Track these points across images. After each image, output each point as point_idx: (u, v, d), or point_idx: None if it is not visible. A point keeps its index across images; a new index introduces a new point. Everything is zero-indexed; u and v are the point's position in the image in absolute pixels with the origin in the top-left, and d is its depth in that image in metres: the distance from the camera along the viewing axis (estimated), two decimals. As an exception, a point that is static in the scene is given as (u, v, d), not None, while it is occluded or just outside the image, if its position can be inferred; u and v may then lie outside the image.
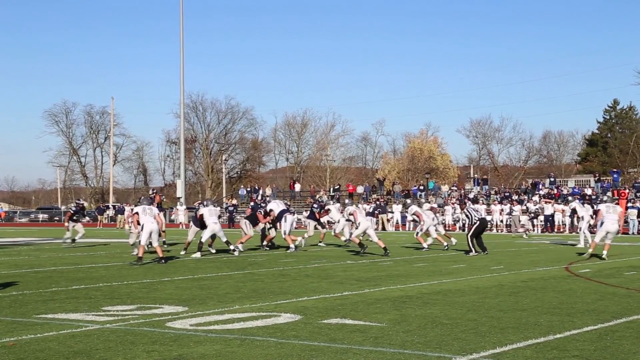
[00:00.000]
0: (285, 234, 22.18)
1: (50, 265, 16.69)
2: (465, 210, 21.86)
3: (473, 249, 20.33)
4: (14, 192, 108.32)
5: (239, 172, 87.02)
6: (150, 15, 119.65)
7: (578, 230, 26.74)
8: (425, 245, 23.12)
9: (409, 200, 43.88)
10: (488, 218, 40.59)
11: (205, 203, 21.55)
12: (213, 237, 20.72)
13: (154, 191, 22.90)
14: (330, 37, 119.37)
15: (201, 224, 20.55)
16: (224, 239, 20.11)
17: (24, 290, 11.85)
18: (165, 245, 23.29)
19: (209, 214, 19.96)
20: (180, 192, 57.71)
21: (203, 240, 20.04)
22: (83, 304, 10.12)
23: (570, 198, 29.84)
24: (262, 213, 22.54)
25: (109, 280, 13.49)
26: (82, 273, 14.80)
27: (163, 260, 17.24)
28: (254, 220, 22.21)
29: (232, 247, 20.24)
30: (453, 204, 45.58)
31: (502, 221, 42.22)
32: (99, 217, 55.91)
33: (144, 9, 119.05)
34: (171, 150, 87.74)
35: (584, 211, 25.95)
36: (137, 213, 17.63)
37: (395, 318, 8.79)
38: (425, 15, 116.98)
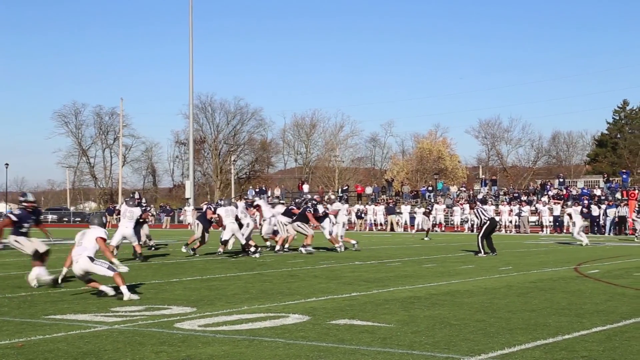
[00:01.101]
0: (243, 239, 20.24)
1: (59, 266, 16.72)
2: (475, 210, 21.80)
3: (482, 250, 20.29)
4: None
5: (247, 173, 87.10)
6: (159, 17, 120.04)
7: (572, 234, 27.49)
8: (338, 246, 22.34)
9: (417, 201, 43.91)
10: (497, 219, 40.58)
11: (222, 202, 21.27)
12: (203, 238, 20.83)
13: (134, 194, 22.23)
14: (338, 38, 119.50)
15: (210, 223, 20.51)
16: (243, 241, 19.96)
17: (32, 291, 11.89)
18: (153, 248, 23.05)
19: (226, 214, 19.66)
20: (189, 193, 57.83)
21: (225, 238, 19.88)
22: (92, 304, 10.15)
23: (569, 203, 30.92)
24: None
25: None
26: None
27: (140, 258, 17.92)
28: (207, 222, 21.29)
29: (252, 250, 19.68)
30: (461, 204, 45.51)
31: (511, 222, 42.12)
32: (107, 217, 56.05)
33: (154, 10, 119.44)
34: (180, 151, 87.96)
35: (578, 217, 28.08)
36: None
37: (404, 319, 8.78)
38: (434, 16, 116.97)
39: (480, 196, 48.95)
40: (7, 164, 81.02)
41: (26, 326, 8.32)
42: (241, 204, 21.73)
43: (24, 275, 13.27)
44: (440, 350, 6.92)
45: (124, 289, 10.76)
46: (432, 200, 48.64)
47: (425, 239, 31.89)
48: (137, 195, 22.54)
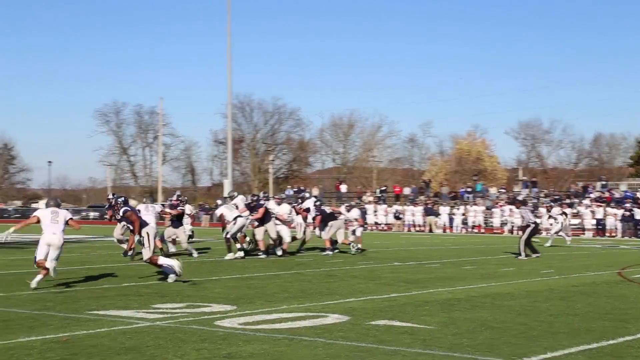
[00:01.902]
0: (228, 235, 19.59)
1: (100, 263, 16.98)
2: (520, 210, 21.50)
3: (523, 253, 20.08)
4: (65, 190, 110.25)
5: (285, 173, 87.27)
6: (198, 16, 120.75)
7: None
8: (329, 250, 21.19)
9: (456, 202, 43.58)
10: (537, 221, 40.13)
11: (219, 202, 21.61)
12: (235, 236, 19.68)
13: (114, 195, 21.10)
14: (377, 38, 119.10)
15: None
16: (288, 239, 20.01)
17: (76, 287, 12.06)
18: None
19: (230, 211, 19.47)
20: (227, 192, 58.15)
21: (274, 236, 19.90)
22: (133, 301, 10.26)
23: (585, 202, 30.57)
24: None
25: (158, 278, 13.64)
26: (132, 271, 15.00)
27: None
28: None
29: (279, 251, 19.68)
30: (501, 206, 45.07)
31: (551, 224, 41.57)
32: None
33: (193, 10, 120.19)
34: (219, 150, 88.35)
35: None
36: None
37: (444, 321, 8.73)
38: (473, 17, 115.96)
39: (520, 198, 48.47)
40: (50, 162, 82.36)
41: (70, 321, 8.44)
42: (238, 199, 20.40)
43: (68, 272, 13.46)
44: (481, 352, 6.86)
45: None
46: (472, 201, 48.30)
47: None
48: (177, 194, 22.58)
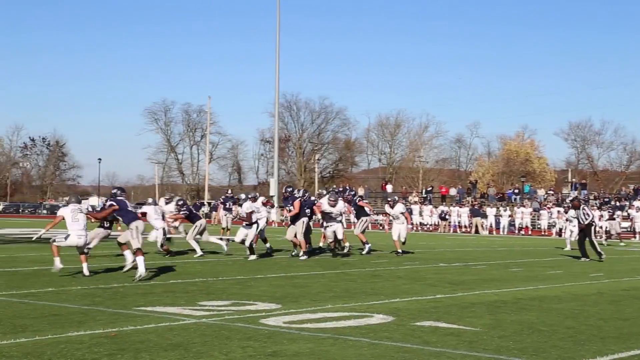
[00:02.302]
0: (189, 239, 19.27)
1: (148, 259, 17.17)
2: (582, 209, 20.90)
3: (602, 253, 19.99)
4: (114, 187, 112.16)
5: (331, 172, 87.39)
6: (247, 15, 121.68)
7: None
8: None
9: (503, 203, 43.11)
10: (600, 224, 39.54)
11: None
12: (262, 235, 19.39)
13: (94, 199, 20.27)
14: (424, 38, 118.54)
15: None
16: (341, 236, 19.85)
17: (124, 282, 12.24)
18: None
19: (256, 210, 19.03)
20: (273, 190, 58.45)
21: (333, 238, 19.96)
22: (180, 298, 10.37)
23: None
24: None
25: (204, 275, 13.77)
26: (178, 268, 15.17)
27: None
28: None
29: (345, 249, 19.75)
30: (549, 208, 44.47)
31: (601, 227, 40.88)
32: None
33: (241, 9, 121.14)
34: (265, 149, 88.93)
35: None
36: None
37: (490, 323, 8.64)
38: (523, 17, 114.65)
39: (568, 200, 47.79)
40: (100, 159, 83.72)
41: (118, 316, 8.57)
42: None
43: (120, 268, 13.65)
44: (528, 356, 6.78)
45: None
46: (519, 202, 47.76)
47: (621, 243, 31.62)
48: (176, 199, 21.23)
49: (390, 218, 20.65)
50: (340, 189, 59.41)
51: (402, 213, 20.60)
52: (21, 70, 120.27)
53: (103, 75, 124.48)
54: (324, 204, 19.45)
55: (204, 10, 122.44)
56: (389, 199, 21.41)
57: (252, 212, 18.37)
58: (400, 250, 20.38)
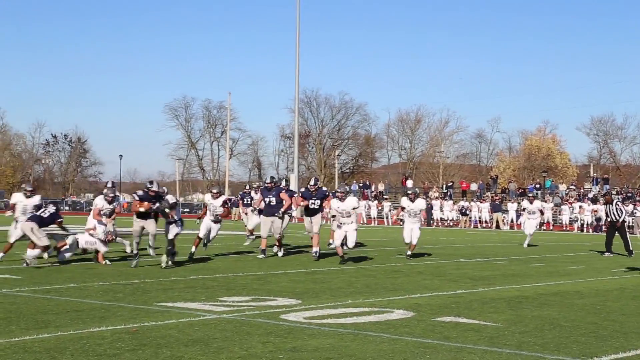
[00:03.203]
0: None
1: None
2: (615, 205, 20.65)
3: (633, 251, 19.85)
4: (135, 183, 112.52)
5: (351, 168, 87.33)
6: (266, 11, 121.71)
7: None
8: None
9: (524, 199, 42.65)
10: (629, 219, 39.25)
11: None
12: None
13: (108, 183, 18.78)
14: (445, 32, 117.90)
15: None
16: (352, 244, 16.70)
17: (145, 278, 12.31)
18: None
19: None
20: (294, 186, 58.53)
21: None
22: (201, 293, 10.42)
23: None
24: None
25: (224, 271, 13.82)
26: (199, 264, 15.23)
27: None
28: None
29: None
30: (570, 203, 44.17)
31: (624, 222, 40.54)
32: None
33: (261, 4, 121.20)
34: (285, 145, 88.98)
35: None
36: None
37: (511, 318, 8.60)
38: (544, 10, 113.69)
39: (590, 195, 47.44)
40: (121, 156, 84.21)
41: (139, 312, 8.62)
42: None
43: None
44: (549, 351, 6.74)
45: None
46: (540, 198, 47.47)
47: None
48: (109, 185, 18.24)
49: (405, 213, 17.51)
50: (361, 185, 59.42)
51: (421, 210, 17.67)
52: (43, 67, 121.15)
53: (124, 71, 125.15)
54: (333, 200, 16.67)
55: (224, 6, 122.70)
56: (409, 191, 18.29)
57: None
58: (410, 253, 17.65)
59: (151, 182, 14.91)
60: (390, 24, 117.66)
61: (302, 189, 19.42)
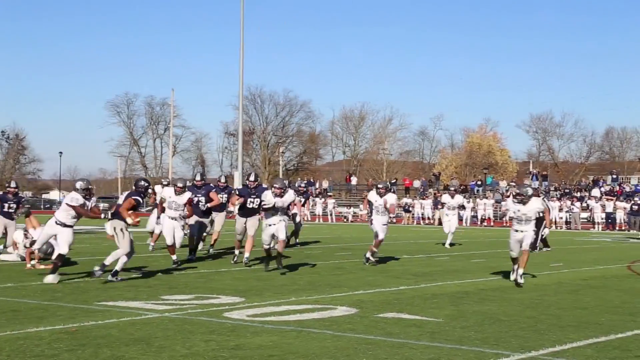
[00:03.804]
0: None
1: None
2: (542, 200, 20.66)
3: (538, 248, 20.03)
4: (76, 181, 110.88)
5: (295, 165, 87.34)
6: (210, 7, 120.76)
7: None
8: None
9: (466, 195, 43.29)
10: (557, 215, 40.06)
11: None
12: None
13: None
14: (389, 30, 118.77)
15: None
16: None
17: (85, 277, 12.11)
18: None
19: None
20: (238, 183, 58.25)
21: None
22: (142, 292, 10.29)
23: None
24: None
25: (167, 269, 13.67)
26: (141, 262, 15.03)
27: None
28: None
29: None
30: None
31: (561, 218, 41.51)
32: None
33: (205, 2, 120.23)
34: (229, 142, 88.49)
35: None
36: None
37: (452, 313, 8.72)
38: (485, 9, 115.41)
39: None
40: (60, 153, 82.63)
41: (79, 312, 8.48)
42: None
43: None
44: (489, 346, 6.85)
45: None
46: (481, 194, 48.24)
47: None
48: (13, 185, 17.13)
49: (445, 209, 18.98)
50: (305, 182, 59.47)
51: (460, 206, 20.44)
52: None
53: (64, 67, 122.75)
54: (268, 194, 13.86)
55: (168, 2, 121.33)
56: (452, 187, 17.57)
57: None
58: (376, 250, 15.95)
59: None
60: (333, 21, 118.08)
61: (239, 187, 18.14)
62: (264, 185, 16.60)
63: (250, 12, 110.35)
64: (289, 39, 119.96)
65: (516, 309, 9.25)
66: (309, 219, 46.89)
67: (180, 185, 14.45)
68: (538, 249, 19.82)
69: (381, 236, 15.44)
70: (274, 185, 13.86)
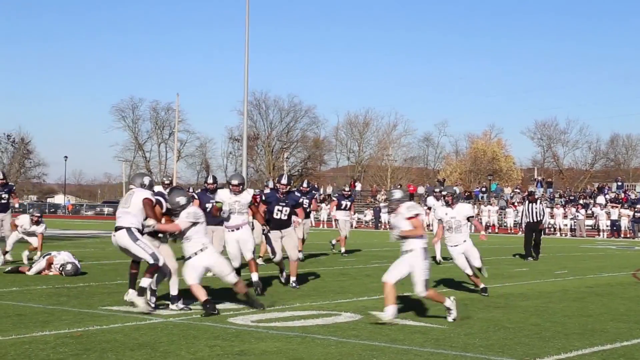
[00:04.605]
0: None
1: (115, 258, 17.01)
2: (540, 204, 20.42)
3: (536, 257, 19.86)
4: (80, 185, 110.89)
5: (300, 170, 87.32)
6: (215, 14, 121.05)
7: None
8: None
9: (470, 202, 43.24)
10: (551, 221, 39.93)
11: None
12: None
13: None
14: (394, 36, 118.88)
15: None
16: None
17: (90, 282, 12.12)
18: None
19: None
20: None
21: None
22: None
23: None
24: None
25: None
26: (144, 267, 15.03)
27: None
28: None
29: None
30: (515, 206, 44.94)
31: (566, 225, 41.45)
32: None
33: (210, 6, 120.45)
34: (234, 147, 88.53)
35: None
36: None
37: (457, 320, 8.70)
38: (491, 16, 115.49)
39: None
40: (66, 157, 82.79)
41: (84, 316, 8.49)
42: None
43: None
44: (494, 353, 6.84)
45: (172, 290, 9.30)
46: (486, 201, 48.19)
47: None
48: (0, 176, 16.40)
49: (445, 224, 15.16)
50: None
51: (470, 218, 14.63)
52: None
53: (70, 71, 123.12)
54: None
55: (173, 7, 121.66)
56: (445, 192, 12.02)
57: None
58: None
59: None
60: (339, 27, 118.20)
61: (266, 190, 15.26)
62: (297, 194, 13.56)
63: (256, 17, 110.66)
64: (293, 44, 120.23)
65: (521, 316, 9.24)
66: (314, 224, 46.85)
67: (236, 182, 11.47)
68: (533, 258, 19.61)
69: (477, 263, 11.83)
70: (230, 181, 11.57)
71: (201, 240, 9.05)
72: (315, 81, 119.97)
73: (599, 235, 39.82)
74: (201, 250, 9.02)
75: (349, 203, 20.45)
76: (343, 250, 20.01)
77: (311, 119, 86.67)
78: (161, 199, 9.37)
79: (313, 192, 17.95)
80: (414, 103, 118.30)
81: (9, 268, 13.60)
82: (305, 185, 17.40)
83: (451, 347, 7.04)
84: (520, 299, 10.99)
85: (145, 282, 8.83)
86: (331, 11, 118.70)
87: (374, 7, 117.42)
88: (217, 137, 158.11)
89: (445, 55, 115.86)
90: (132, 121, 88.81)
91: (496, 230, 43.53)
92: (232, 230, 11.31)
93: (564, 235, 40.42)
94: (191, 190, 15.29)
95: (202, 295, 8.78)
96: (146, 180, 9.53)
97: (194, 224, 8.97)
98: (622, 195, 45.72)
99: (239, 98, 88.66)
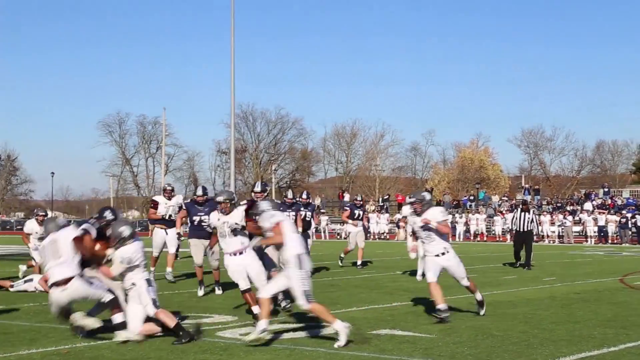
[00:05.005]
0: None
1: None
2: (532, 213, 20.41)
3: (530, 266, 19.74)
4: (68, 201, 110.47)
5: (288, 182, 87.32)
6: (201, 27, 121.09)
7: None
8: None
9: (459, 210, 43.46)
10: (539, 228, 40.05)
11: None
12: None
13: None
14: (379, 46, 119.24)
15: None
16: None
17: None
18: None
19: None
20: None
21: None
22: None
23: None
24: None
25: (160, 289, 13.56)
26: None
27: None
28: None
29: None
30: (503, 214, 45.07)
31: (553, 232, 41.59)
32: (150, 226, 56.52)
33: (196, 20, 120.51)
34: (221, 160, 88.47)
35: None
36: None
37: (445, 329, 8.73)
38: (476, 25, 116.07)
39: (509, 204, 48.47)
40: (52, 173, 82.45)
41: (71, 333, 8.43)
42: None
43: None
44: (482, 361, 6.86)
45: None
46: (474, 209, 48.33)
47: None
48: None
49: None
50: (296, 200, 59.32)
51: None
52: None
53: (56, 87, 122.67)
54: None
55: (158, 22, 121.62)
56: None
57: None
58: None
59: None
60: (325, 38, 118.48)
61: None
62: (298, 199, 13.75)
63: (241, 30, 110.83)
64: (280, 56, 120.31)
65: (509, 323, 9.27)
66: (314, 237, 46.79)
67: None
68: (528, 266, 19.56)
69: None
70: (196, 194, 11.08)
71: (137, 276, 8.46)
72: (302, 93, 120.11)
73: (586, 241, 39.98)
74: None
75: (361, 213, 20.35)
76: (359, 262, 19.36)
77: (298, 130, 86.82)
78: (87, 228, 8.72)
79: (313, 204, 17.79)
80: (401, 113, 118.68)
81: None
82: (305, 196, 17.33)
83: (439, 356, 7.05)
84: (508, 307, 11.02)
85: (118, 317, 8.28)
86: (317, 23, 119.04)
87: (360, 18, 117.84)
88: (205, 150, 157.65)
89: (432, 65, 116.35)
90: (119, 136, 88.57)
91: (484, 239, 43.63)
92: (232, 255, 9.81)
93: (551, 242, 40.56)
94: (181, 199, 14.55)
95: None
96: (59, 221, 8.89)
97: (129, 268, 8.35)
98: (609, 201, 45.92)
99: (226, 111, 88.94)
